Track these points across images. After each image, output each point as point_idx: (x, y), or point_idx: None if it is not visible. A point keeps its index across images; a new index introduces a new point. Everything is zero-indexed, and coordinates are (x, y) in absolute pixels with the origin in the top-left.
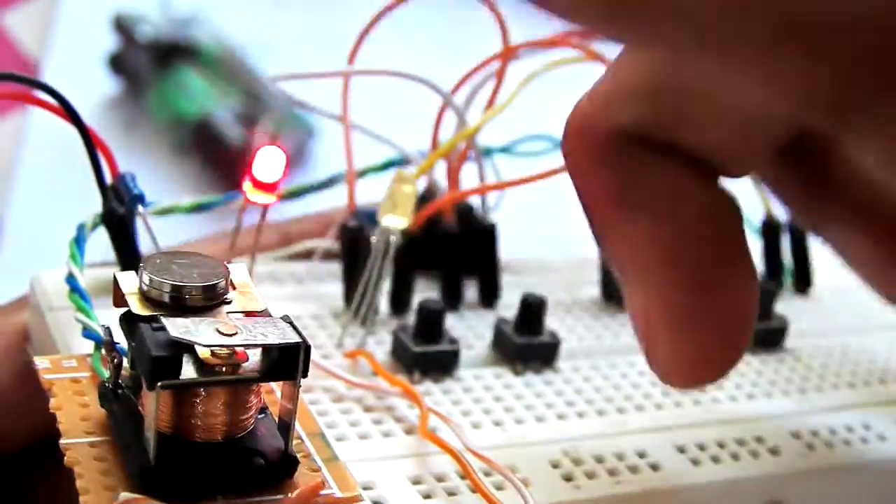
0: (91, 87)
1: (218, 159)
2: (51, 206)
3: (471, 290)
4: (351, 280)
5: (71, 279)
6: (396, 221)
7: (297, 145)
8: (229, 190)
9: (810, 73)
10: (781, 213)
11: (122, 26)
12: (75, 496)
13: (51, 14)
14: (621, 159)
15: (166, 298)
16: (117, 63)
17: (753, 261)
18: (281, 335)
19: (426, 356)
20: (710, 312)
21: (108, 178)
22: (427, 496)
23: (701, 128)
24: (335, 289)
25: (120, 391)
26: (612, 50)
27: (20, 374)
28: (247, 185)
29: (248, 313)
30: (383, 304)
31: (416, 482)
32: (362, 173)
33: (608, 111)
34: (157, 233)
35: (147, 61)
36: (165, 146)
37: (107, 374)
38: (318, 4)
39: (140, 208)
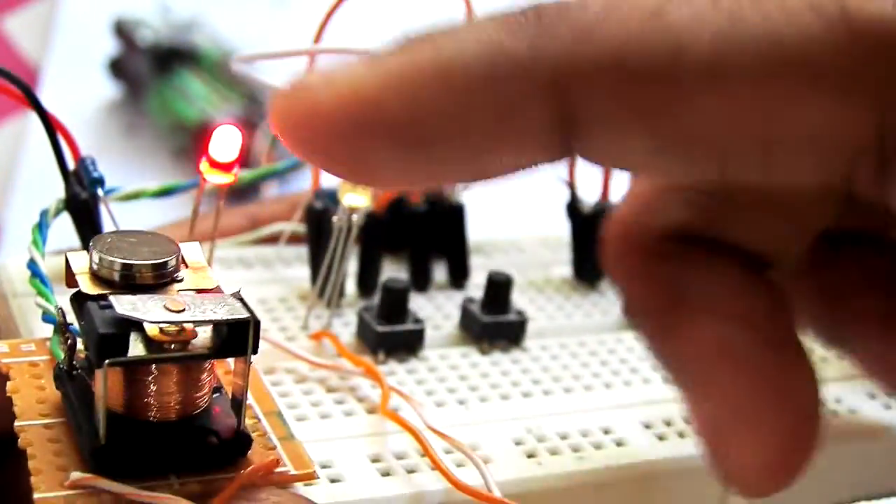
0: (91, 91)
1: None
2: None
3: (440, 272)
4: (317, 261)
5: (32, 264)
6: (357, 200)
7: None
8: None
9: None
10: None
11: (123, 31)
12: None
13: (51, 18)
14: (671, 260)
15: (116, 277)
16: (117, 68)
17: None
18: (230, 311)
19: (390, 336)
20: (783, 411)
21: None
22: (386, 474)
23: (748, 222)
24: (302, 272)
25: (75, 372)
26: None
27: None
28: (203, 166)
29: (200, 291)
30: (351, 285)
31: (376, 460)
32: None
33: (650, 215)
34: (125, 218)
35: (147, 66)
36: (165, 150)
37: (63, 355)
38: (318, 9)
39: (101, 192)
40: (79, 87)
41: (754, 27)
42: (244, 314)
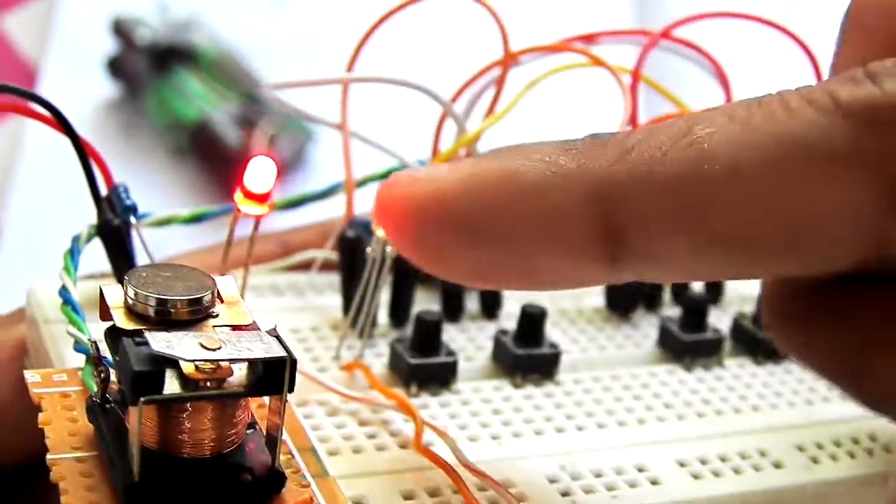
0: (89, 90)
1: (216, 163)
2: (48, 213)
3: (472, 302)
4: (349, 291)
5: (63, 292)
6: None
7: (296, 150)
8: (227, 194)
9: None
10: None
11: (121, 30)
12: None
13: (49, 17)
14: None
15: (151, 312)
16: (115, 67)
17: None
18: (266, 349)
19: (423, 368)
20: None
21: (103, 190)
22: None
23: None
24: (334, 300)
25: (108, 405)
26: (613, 55)
27: (19, 388)
28: (238, 197)
29: (236, 327)
30: (383, 315)
31: (408, 497)
32: (361, 182)
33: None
34: (154, 243)
35: (145, 65)
36: (164, 150)
37: (95, 388)
38: (316, 7)
39: (133, 220)
40: (77, 86)
41: (763, 127)
42: (281, 353)
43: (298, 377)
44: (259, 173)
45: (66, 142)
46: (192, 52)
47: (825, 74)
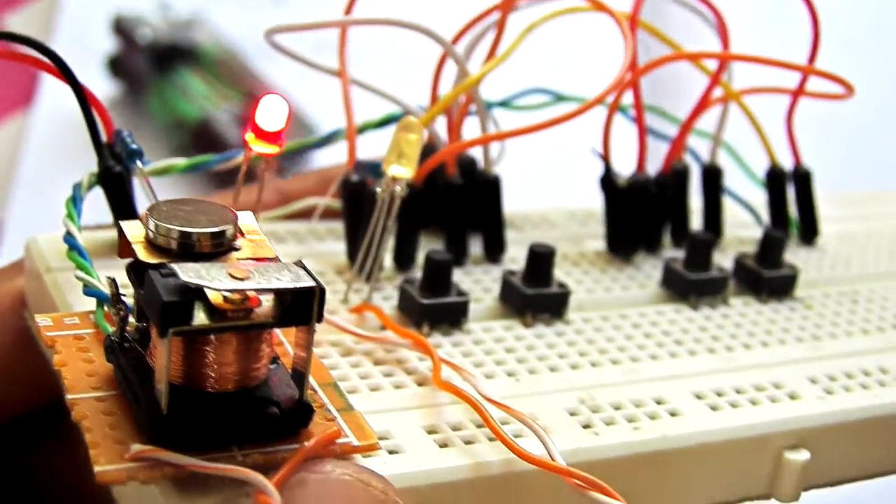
0: (91, 89)
1: None
2: (51, 211)
3: (476, 247)
4: (354, 235)
5: (69, 238)
6: (402, 171)
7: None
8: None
9: None
10: (786, 163)
11: (122, 29)
12: (83, 455)
13: (50, 16)
14: None
15: (174, 245)
16: (116, 66)
17: None
18: (295, 279)
19: (435, 308)
20: None
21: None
22: (443, 445)
23: None
24: (337, 247)
25: (127, 344)
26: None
27: (17, 340)
28: (249, 136)
29: (259, 260)
30: (387, 259)
31: (432, 432)
32: (362, 129)
33: None
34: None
35: (147, 64)
36: (165, 149)
37: (111, 329)
38: (318, 6)
39: (140, 165)
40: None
41: None
42: (309, 282)
43: None
44: (271, 111)
45: (69, 138)
46: (193, 50)
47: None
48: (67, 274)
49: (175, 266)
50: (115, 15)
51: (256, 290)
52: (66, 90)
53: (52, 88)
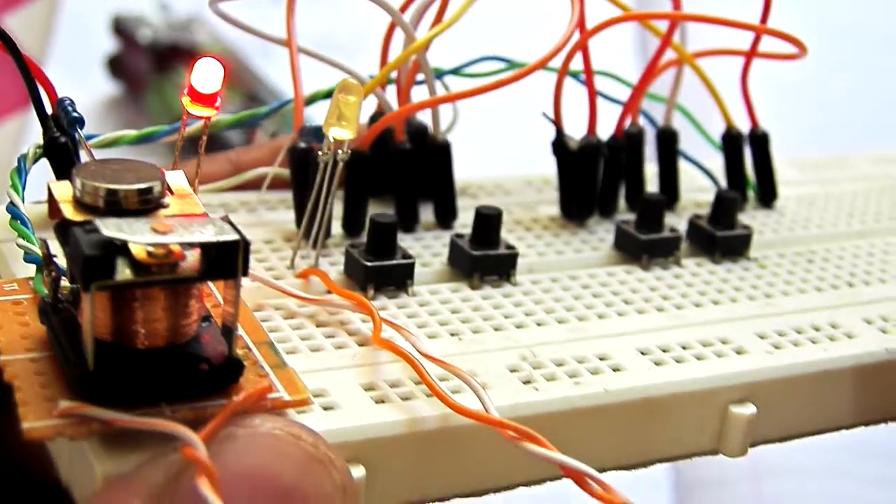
0: (90, 89)
1: None
2: None
3: (426, 214)
4: (302, 201)
5: (12, 207)
6: (342, 133)
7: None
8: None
9: None
10: (743, 126)
11: (122, 29)
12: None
13: (50, 17)
14: None
15: (101, 203)
16: (116, 66)
17: None
18: (219, 232)
19: (379, 270)
20: None
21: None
22: (380, 401)
23: None
24: (287, 215)
25: (60, 305)
26: None
27: None
28: (185, 100)
29: (187, 216)
30: (336, 227)
31: (370, 389)
32: (311, 99)
33: None
34: None
35: (146, 64)
36: (165, 148)
37: (47, 291)
38: (318, 5)
39: (80, 133)
40: (78, 85)
41: None
42: (233, 235)
43: (253, 283)
44: (206, 74)
45: None
46: (193, 50)
47: None
48: (11, 244)
49: (98, 222)
50: (115, 15)
51: (179, 244)
52: (66, 90)
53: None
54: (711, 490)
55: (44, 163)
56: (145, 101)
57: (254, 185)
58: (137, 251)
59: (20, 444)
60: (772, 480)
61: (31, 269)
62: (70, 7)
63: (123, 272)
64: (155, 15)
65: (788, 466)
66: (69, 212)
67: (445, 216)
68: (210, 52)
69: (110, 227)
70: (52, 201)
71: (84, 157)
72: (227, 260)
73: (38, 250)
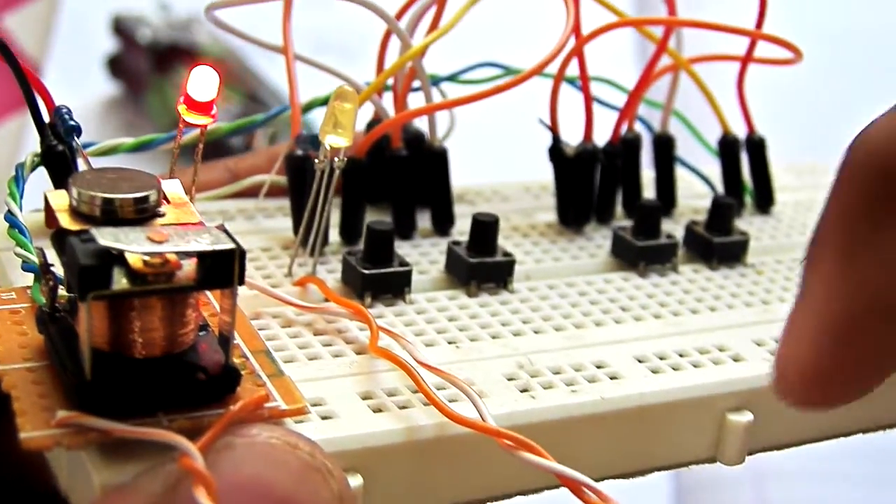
0: (90, 89)
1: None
2: None
3: (423, 221)
4: (299, 209)
5: (10, 216)
6: (338, 141)
7: None
8: None
9: None
10: (739, 131)
11: (122, 29)
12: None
13: (51, 16)
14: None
15: (97, 212)
16: (116, 66)
17: None
18: (214, 241)
19: (377, 278)
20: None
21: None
22: (377, 410)
23: None
24: (285, 223)
25: (58, 314)
26: None
27: None
28: (181, 108)
29: (182, 225)
30: (334, 234)
31: (367, 397)
32: (308, 106)
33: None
34: None
35: (146, 63)
36: (164, 155)
37: (45, 299)
38: (318, 6)
39: (77, 142)
40: (78, 85)
41: None
42: (229, 244)
43: (251, 291)
44: (201, 82)
45: None
46: (193, 50)
47: None
48: (8, 253)
49: (94, 231)
50: (115, 15)
51: (175, 253)
52: (66, 90)
53: (50, 88)
54: (711, 492)
55: (41, 171)
56: (145, 101)
57: (251, 192)
58: (134, 260)
59: (19, 453)
60: (772, 483)
61: (28, 278)
62: (70, 7)
63: (120, 282)
64: (155, 15)
65: (788, 469)
66: (66, 221)
67: (442, 223)
68: (210, 51)
69: (106, 237)
70: (48, 210)
71: (82, 165)
72: (223, 269)
73: (35, 259)
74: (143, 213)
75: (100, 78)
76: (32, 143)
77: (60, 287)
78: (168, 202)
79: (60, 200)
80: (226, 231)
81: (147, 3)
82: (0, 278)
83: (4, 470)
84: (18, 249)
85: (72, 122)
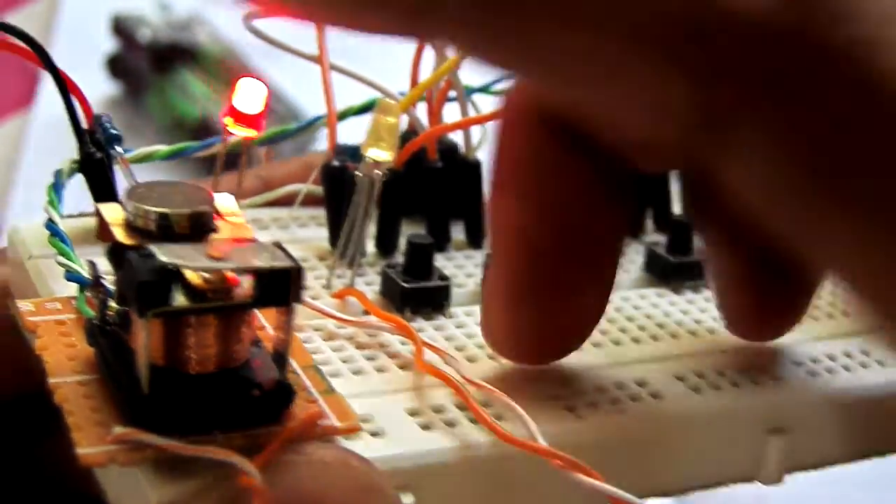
0: (90, 89)
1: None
2: None
3: (458, 233)
4: (336, 220)
5: (51, 224)
6: (380, 154)
7: (298, 148)
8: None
9: (662, 85)
10: None
11: (122, 29)
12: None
13: (51, 16)
14: (540, 135)
15: (153, 227)
16: (116, 66)
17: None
18: (273, 259)
19: (416, 293)
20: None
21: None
22: (426, 427)
23: (603, 129)
24: (320, 233)
25: (108, 328)
26: None
27: (1, 329)
28: (227, 120)
29: (237, 241)
30: (370, 246)
31: (414, 414)
32: (343, 115)
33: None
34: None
35: (147, 64)
36: (190, 163)
37: (93, 313)
38: None
39: (119, 150)
40: (79, 84)
41: None
42: (287, 262)
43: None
44: (249, 94)
45: (69, 138)
46: (193, 50)
47: None
48: (49, 261)
49: (153, 247)
50: (115, 15)
51: (234, 270)
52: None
53: (51, 88)
54: (711, 492)
55: (43, 172)
56: (145, 101)
57: (281, 202)
58: (193, 278)
59: (66, 463)
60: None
61: (64, 286)
62: (70, 7)
63: (178, 299)
64: (155, 15)
65: None
66: (121, 235)
67: (477, 235)
68: (210, 51)
69: (166, 254)
70: (102, 223)
71: (119, 173)
72: (280, 287)
73: (80, 269)
74: (197, 229)
75: (100, 78)
76: (33, 143)
77: (110, 299)
78: (221, 217)
79: (114, 213)
80: (282, 248)
81: (147, 3)
82: (40, 286)
83: (52, 479)
84: (61, 258)
85: (113, 131)
